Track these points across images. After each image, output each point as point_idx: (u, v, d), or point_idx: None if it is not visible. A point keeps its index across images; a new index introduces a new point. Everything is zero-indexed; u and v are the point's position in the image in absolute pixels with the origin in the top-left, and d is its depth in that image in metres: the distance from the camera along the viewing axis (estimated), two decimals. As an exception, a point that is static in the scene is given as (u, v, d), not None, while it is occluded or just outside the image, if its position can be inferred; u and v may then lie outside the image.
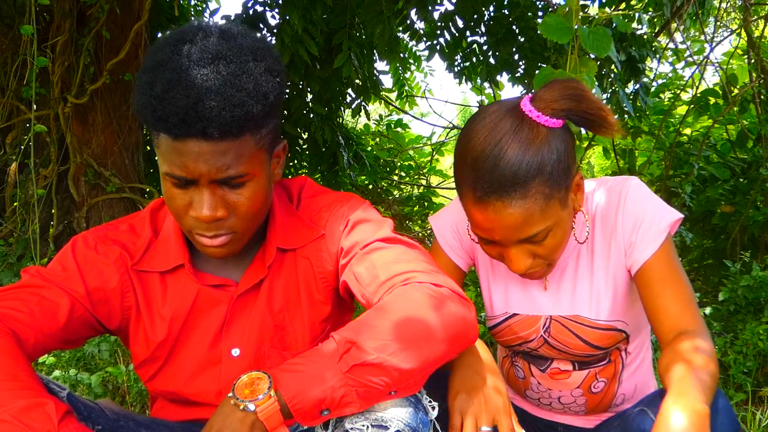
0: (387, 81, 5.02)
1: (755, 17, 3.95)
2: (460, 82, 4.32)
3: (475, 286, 3.12)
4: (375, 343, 0.98)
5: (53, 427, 0.91)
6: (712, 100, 3.79)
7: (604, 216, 1.32)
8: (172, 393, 1.26)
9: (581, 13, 1.84)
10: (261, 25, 3.80)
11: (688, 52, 4.31)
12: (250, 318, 1.24)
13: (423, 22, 4.11)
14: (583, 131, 1.68)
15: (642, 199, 1.29)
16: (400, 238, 1.20)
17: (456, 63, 4.22)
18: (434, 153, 5.91)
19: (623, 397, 1.43)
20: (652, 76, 4.26)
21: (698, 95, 3.83)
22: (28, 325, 1.09)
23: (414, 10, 3.78)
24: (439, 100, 7.67)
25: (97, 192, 3.54)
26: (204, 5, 4.79)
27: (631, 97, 3.86)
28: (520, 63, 4.00)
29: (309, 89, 4.07)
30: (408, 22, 4.03)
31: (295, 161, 4.66)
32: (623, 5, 3.79)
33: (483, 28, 4.02)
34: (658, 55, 4.09)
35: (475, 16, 3.94)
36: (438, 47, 4.16)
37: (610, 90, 3.70)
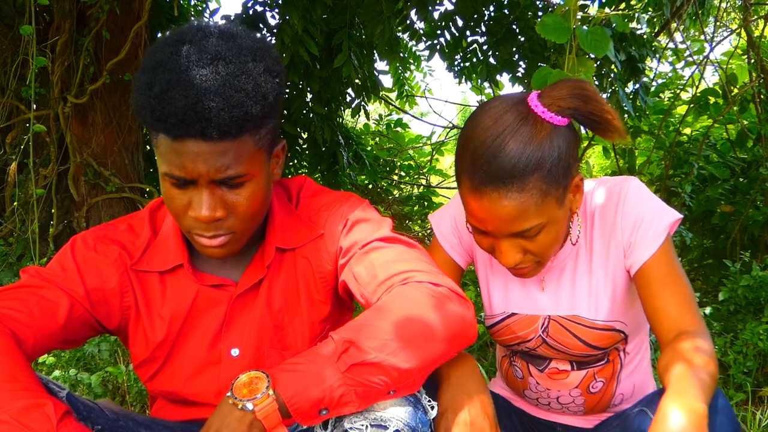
0: (387, 81, 5.02)
1: (755, 17, 3.95)
2: (459, 82, 4.32)
3: (475, 286, 3.12)
4: (374, 342, 0.98)
5: (52, 427, 0.91)
6: (712, 100, 3.79)
7: (603, 216, 1.32)
8: (171, 393, 1.26)
9: (581, 13, 1.84)
10: (261, 25, 3.79)
11: (687, 52, 4.31)
12: (250, 318, 1.24)
13: (423, 22, 4.11)
14: (584, 130, 1.68)
15: (641, 199, 1.28)
16: (399, 238, 1.20)
17: (456, 63, 4.21)
18: (434, 153, 5.90)
19: (622, 397, 1.43)
20: (652, 76, 4.26)
21: (698, 95, 3.83)
22: (27, 325, 1.09)
23: (414, 10, 3.78)
24: (439, 99, 7.68)
25: (96, 192, 3.54)
26: (204, 5, 4.79)
27: (631, 96, 3.86)
28: (520, 63, 4.00)
29: (309, 89, 4.07)
30: (408, 22, 4.03)
31: (295, 161, 4.66)
32: (623, 5, 3.79)
33: (483, 28, 4.01)
34: (658, 55, 4.09)
35: (475, 16, 3.94)
36: (438, 47, 4.16)
37: (609, 90, 3.70)
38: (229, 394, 0.97)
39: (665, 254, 1.25)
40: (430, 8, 3.79)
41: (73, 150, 3.46)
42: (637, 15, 3.80)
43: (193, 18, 4.58)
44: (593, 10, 3.52)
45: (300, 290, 1.26)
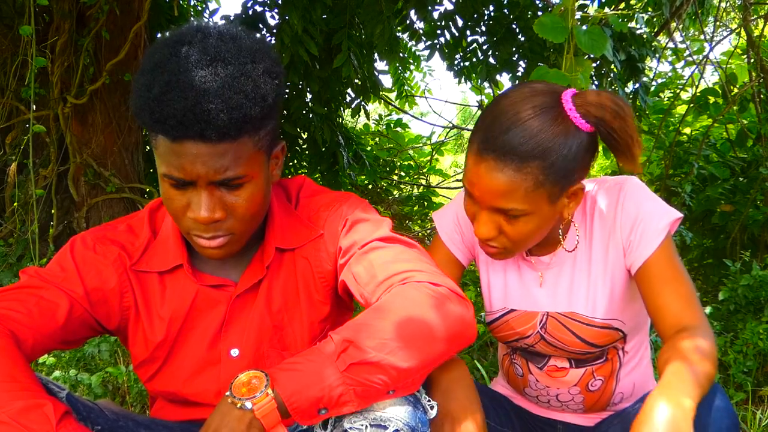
0: (387, 81, 5.02)
1: (755, 16, 3.95)
2: (459, 82, 4.31)
3: (475, 285, 3.12)
4: (373, 341, 0.98)
5: (51, 428, 0.91)
6: (712, 100, 3.78)
7: (602, 214, 1.32)
8: (171, 393, 1.26)
9: (581, 13, 1.84)
10: (260, 26, 3.79)
11: (687, 52, 4.31)
12: (249, 318, 1.24)
13: (422, 22, 4.10)
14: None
15: (641, 198, 1.29)
16: (399, 238, 1.20)
17: (456, 63, 4.21)
18: (434, 153, 5.90)
19: (621, 395, 1.44)
20: (651, 76, 4.26)
21: (698, 94, 3.82)
22: (26, 325, 1.09)
23: (413, 9, 3.77)
24: (438, 99, 7.69)
25: (96, 192, 3.54)
26: (203, 5, 4.79)
27: (631, 96, 3.86)
28: (520, 63, 3.99)
29: (308, 89, 4.06)
30: (408, 22, 4.02)
31: (295, 161, 4.66)
32: (622, 5, 3.79)
33: (483, 28, 4.01)
34: (657, 55, 4.09)
35: (475, 16, 3.94)
36: (438, 47, 4.16)
37: (609, 89, 3.70)
38: (228, 393, 0.97)
39: (666, 252, 1.25)
40: (429, 8, 3.79)
41: (72, 150, 3.45)
42: (636, 15, 3.80)
43: (192, 18, 4.58)
44: (593, 9, 3.52)
45: (299, 290, 1.26)
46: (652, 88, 4.35)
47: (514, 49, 3.92)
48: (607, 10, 3.51)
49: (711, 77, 4.74)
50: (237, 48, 1.04)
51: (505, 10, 3.93)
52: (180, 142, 1.01)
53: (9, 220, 3.56)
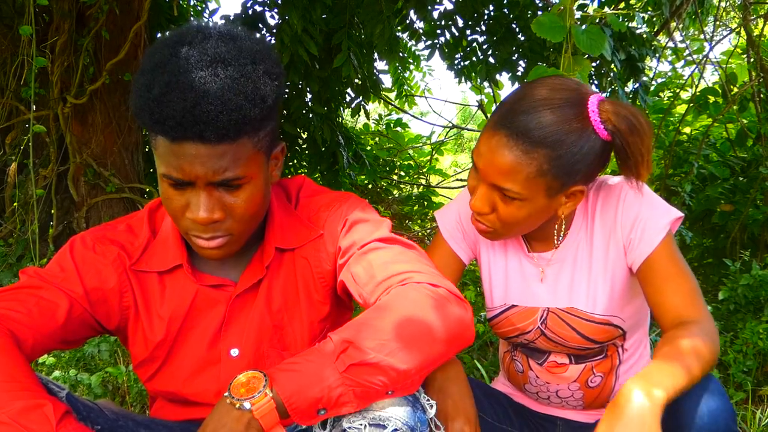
0: (387, 81, 5.02)
1: (754, 16, 3.95)
2: (459, 82, 4.31)
3: (475, 285, 3.12)
4: (372, 342, 0.98)
5: (51, 428, 0.92)
6: (712, 99, 3.78)
7: (603, 212, 1.33)
8: (171, 393, 1.27)
9: (581, 13, 1.84)
10: (260, 25, 3.79)
11: (687, 51, 4.30)
12: (249, 318, 1.24)
13: (422, 22, 4.10)
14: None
15: (642, 198, 1.29)
16: (398, 239, 1.20)
17: (456, 62, 4.21)
18: (434, 152, 5.90)
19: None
20: (651, 75, 4.25)
21: (698, 94, 3.82)
22: (26, 325, 1.09)
23: (413, 9, 3.77)
24: (438, 99, 7.69)
25: (96, 192, 3.54)
26: (203, 5, 4.78)
27: (631, 96, 3.86)
28: (520, 62, 3.99)
29: (308, 89, 4.06)
30: (407, 21, 4.02)
31: (295, 161, 4.65)
32: (622, 4, 3.79)
33: (482, 28, 4.01)
34: (657, 54, 4.09)
35: (475, 15, 3.93)
36: (437, 47, 4.16)
37: (609, 89, 3.70)
38: (226, 393, 0.97)
39: (667, 249, 1.26)
40: (429, 8, 3.79)
41: (72, 150, 3.45)
42: (636, 14, 3.79)
43: (192, 18, 4.58)
44: (592, 9, 3.52)
45: (299, 290, 1.26)
46: (652, 88, 4.34)
47: (514, 48, 3.92)
48: (606, 9, 3.51)
49: (711, 77, 4.74)
50: (237, 49, 1.04)
51: (505, 10, 3.93)
52: (179, 143, 1.01)
53: (9, 220, 3.56)
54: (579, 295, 1.36)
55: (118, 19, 3.40)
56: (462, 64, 4.21)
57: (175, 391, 1.26)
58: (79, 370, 2.38)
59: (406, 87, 5.08)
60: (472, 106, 6.39)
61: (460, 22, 4.02)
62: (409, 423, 1.02)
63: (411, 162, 5.85)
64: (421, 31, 4.22)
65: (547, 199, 1.23)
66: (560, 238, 1.35)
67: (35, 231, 2.97)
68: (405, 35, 4.32)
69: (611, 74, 3.68)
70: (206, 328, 1.24)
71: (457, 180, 6.06)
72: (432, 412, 1.09)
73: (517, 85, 4.06)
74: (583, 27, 1.74)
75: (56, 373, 2.31)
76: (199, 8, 4.76)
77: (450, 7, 3.99)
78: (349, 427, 1.00)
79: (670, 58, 4.61)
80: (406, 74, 5.11)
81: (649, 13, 4.02)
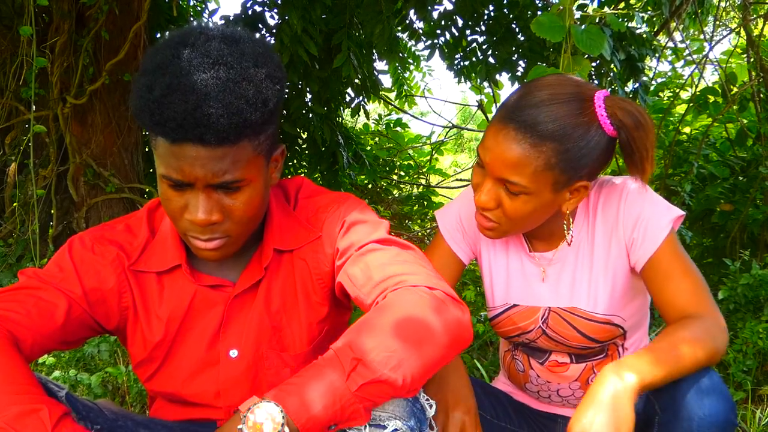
0: (386, 81, 5.02)
1: (754, 16, 3.95)
2: (459, 82, 4.31)
3: (475, 285, 3.12)
4: (380, 355, 0.96)
5: None
6: (712, 99, 3.77)
7: (605, 212, 1.33)
8: (170, 393, 1.27)
9: (580, 13, 1.84)
10: (260, 26, 3.79)
11: (687, 51, 4.30)
12: (248, 319, 1.24)
13: (422, 22, 4.10)
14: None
15: (643, 197, 1.30)
16: (396, 240, 1.19)
17: (455, 62, 4.21)
18: (433, 152, 5.90)
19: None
20: (651, 75, 4.25)
21: (697, 94, 3.81)
22: (25, 326, 1.09)
23: (413, 9, 3.77)
24: (438, 99, 7.67)
25: (96, 192, 3.53)
26: (203, 6, 4.78)
27: (631, 96, 3.85)
28: (520, 62, 3.99)
29: (308, 89, 4.06)
30: (407, 21, 4.02)
31: (295, 161, 4.65)
32: (622, 4, 3.79)
33: (482, 28, 4.01)
34: (657, 54, 4.09)
35: (475, 16, 3.93)
36: (437, 47, 4.16)
37: (609, 89, 3.69)
38: (241, 426, 0.94)
39: (670, 246, 1.27)
40: (429, 8, 3.79)
41: (72, 151, 3.45)
42: (635, 14, 3.79)
43: (192, 19, 4.57)
44: (592, 9, 3.52)
45: (298, 291, 1.26)
46: (652, 88, 4.34)
47: (513, 48, 3.92)
48: (606, 9, 3.51)
49: (711, 76, 4.74)
50: (239, 52, 1.04)
51: (505, 10, 3.93)
52: (179, 145, 1.01)
53: (9, 220, 3.56)
54: (580, 295, 1.36)
55: (117, 20, 3.40)
56: (462, 64, 4.21)
57: (174, 392, 1.26)
58: (79, 370, 2.38)
59: (405, 87, 5.08)
60: (471, 106, 6.38)
61: (460, 22, 4.02)
62: (409, 423, 1.02)
63: (411, 162, 5.84)
64: (420, 31, 4.22)
65: (553, 194, 1.24)
66: (570, 235, 1.35)
67: (35, 231, 2.97)
68: (405, 35, 4.32)
69: (611, 74, 3.68)
70: (205, 328, 1.24)
71: (457, 180, 6.05)
72: (431, 411, 1.09)
73: (516, 85, 4.06)
74: (583, 27, 1.74)
75: (56, 373, 2.31)
76: (199, 8, 4.75)
77: (450, 7, 3.99)
78: (349, 428, 0.99)
79: (669, 58, 4.61)
80: (406, 74, 5.11)
81: (648, 13, 4.02)
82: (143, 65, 1.05)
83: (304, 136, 4.50)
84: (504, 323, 1.46)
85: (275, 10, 3.77)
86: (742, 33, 3.95)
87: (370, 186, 5.30)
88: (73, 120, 3.46)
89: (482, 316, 2.75)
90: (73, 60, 3.37)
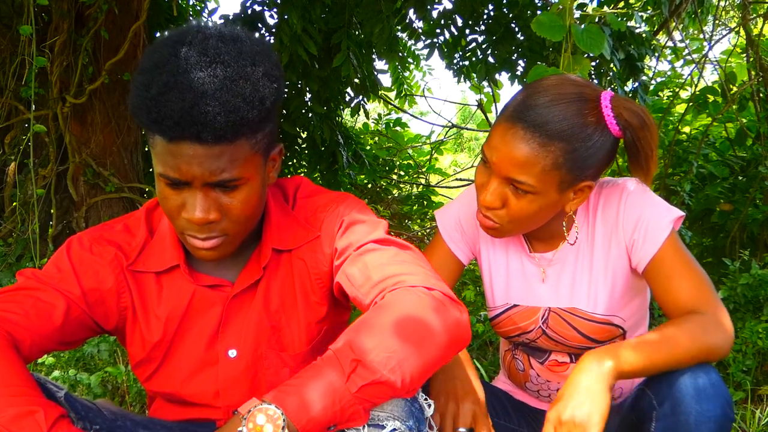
0: (386, 80, 5.02)
1: (754, 15, 3.95)
2: (459, 81, 4.31)
3: (475, 285, 3.12)
4: (379, 356, 0.96)
5: None
6: (711, 98, 3.77)
7: (605, 213, 1.34)
8: (169, 393, 1.27)
9: (580, 12, 1.84)
10: (259, 25, 3.79)
11: (686, 51, 4.30)
12: (247, 319, 1.24)
13: (422, 21, 4.10)
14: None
15: (643, 198, 1.31)
16: (394, 240, 1.19)
17: (455, 62, 4.21)
18: (433, 152, 5.90)
19: (620, 391, 1.45)
20: (650, 75, 4.25)
21: (697, 93, 3.81)
22: (23, 326, 1.09)
23: (413, 9, 3.77)
24: (438, 99, 7.67)
25: (96, 192, 3.54)
26: (202, 5, 4.77)
27: (630, 95, 3.85)
28: (519, 62, 3.99)
29: (308, 88, 4.06)
30: (407, 21, 4.02)
31: (294, 160, 4.65)
32: (621, 3, 3.79)
33: (482, 27, 4.01)
34: (656, 54, 4.09)
35: (474, 15, 3.93)
36: (437, 46, 4.16)
37: (609, 88, 3.68)
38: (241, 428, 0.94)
39: (672, 246, 1.27)
40: (428, 7, 3.79)
41: (72, 150, 3.45)
42: (635, 14, 3.79)
43: (191, 18, 4.57)
44: (591, 8, 3.51)
45: (297, 291, 1.25)
46: (651, 87, 4.34)
47: (513, 48, 3.92)
48: (605, 8, 3.50)
49: (710, 76, 4.74)
50: (237, 50, 1.04)
51: (504, 9, 3.93)
52: (176, 143, 1.01)
53: (8, 219, 3.56)
54: (580, 295, 1.37)
55: (117, 19, 3.40)
56: (461, 63, 4.20)
57: (173, 392, 1.26)
58: (78, 369, 2.38)
59: (405, 86, 5.08)
60: (471, 106, 6.39)
61: (460, 22, 4.02)
62: (408, 423, 1.02)
63: (410, 161, 5.84)
64: (420, 30, 4.22)
65: (558, 194, 1.24)
66: (572, 236, 1.35)
67: (35, 230, 2.97)
68: (404, 35, 4.32)
69: (610, 73, 3.68)
70: (203, 328, 1.24)
71: (457, 180, 6.05)
72: (429, 411, 1.09)
73: (516, 85, 4.08)
74: (582, 26, 1.74)
75: (56, 372, 2.31)
76: (198, 8, 4.75)
77: (449, 6, 3.99)
78: (347, 428, 0.99)
79: (669, 58, 4.61)
80: (406, 74, 5.11)
81: (648, 12, 4.02)
82: (141, 64, 1.05)
83: (304, 135, 4.50)
84: (504, 323, 1.46)
85: (275, 10, 3.77)
86: (742, 32, 3.95)
87: (369, 186, 5.30)
88: (72, 119, 3.46)
89: (482, 315, 2.75)
90: (73, 59, 3.37)
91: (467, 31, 4.06)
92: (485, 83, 4.54)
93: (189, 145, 1.01)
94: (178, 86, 0.98)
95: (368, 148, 5.46)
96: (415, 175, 5.78)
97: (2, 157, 3.67)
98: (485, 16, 3.98)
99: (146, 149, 3.85)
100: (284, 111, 4.01)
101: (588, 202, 1.36)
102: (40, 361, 2.39)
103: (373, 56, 4.09)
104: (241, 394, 1.24)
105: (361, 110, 4.34)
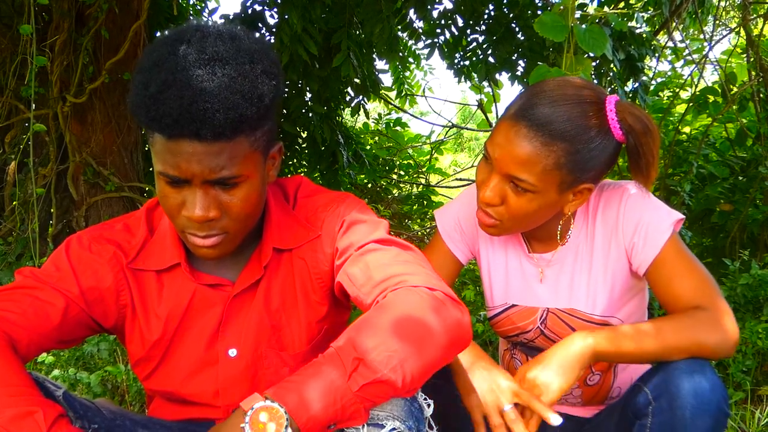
0: (387, 79, 5.02)
1: (754, 15, 3.95)
2: (459, 81, 4.31)
3: (475, 285, 3.12)
4: (381, 355, 0.96)
5: None
6: (711, 99, 3.77)
7: (605, 215, 1.34)
8: (168, 392, 1.26)
9: (580, 12, 1.85)
10: (260, 25, 3.79)
11: (687, 51, 4.30)
12: (247, 318, 1.24)
13: (422, 21, 4.10)
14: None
15: (643, 201, 1.31)
16: (395, 240, 1.19)
17: (456, 61, 4.21)
18: (433, 152, 5.90)
19: (619, 390, 1.45)
20: (651, 75, 4.25)
21: (697, 93, 3.81)
22: (20, 325, 1.09)
23: (413, 9, 3.77)
24: (438, 98, 7.67)
25: (96, 191, 3.54)
26: (203, 4, 4.77)
27: (630, 95, 3.86)
28: (520, 62, 3.99)
29: (308, 88, 4.06)
30: (407, 20, 4.02)
31: (294, 160, 4.65)
32: (621, 4, 3.79)
33: (482, 27, 4.01)
34: (657, 54, 4.09)
35: (475, 15, 3.94)
36: (437, 46, 4.16)
37: (609, 89, 3.69)
38: (244, 425, 0.93)
39: (672, 249, 1.28)
40: (429, 7, 3.79)
41: (72, 149, 3.45)
42: (636, 14, 3.79)
43: (191, 17, 4.57)
44: (592, 8, 3.52)
45: (297, 291, 1.25)
46: (652, 88, 4.34)
47: (513, 48, 3.92)
48: (606, 9, 3.51)
49: (710, 76, 4.74)
50: (235, 48, 1.04)
51: (505, 9, 3.93)
52: (176, 141, 1.01)
53: (8, 218, 3.56)
54: (579, 296, 1.37)
55: (117, 19, 3.40)
56: (462, 63, 4.21)
57: (173, 391, 1.26)
58: (78, 368, 2.38)
59: (406, 86, 5.08)
60: (471, 106, 6.39)
61: (460, 22, 4.02)
62: (407, 423, 1.02)
63: (411, 161, 5.85)
64: (420, 30, 4.22)
65: (558, 195, 1.24)
66: (568, 236, 1.36)
67: (35, 230, 2.97)
68: (405, 34, 4.32)
69: (611, 74, 3.68)
70: (204, 327, 1.24)
71: (457, 179, 6.05)
72: (429, 411, 1.09)
73: (516, 85, 4.08)
74: (583, 26, 1.74)
75: (55, 371, 2.30)
76: (199, 7, 4.75)
77: (450, 6, 3.99)
78: (347, 428, 0.99)
79: (669, 58, 4.61)
80: (407, 73, 5.11)
81: (649, 12, 4.02)
82: (140, 62, 1.05)
83: (304, 135, 4.50)
84: (503, 323, 1.47)
85: (275, 9, 3.77)
86: (742, 33, 3.95)
87: (369, 185, 5.30)
88: (72, 119, 3.46)
89: (481, 315, 2.75)
90: (73, 59, 3.38)
91: (468, 31, 4.06)
92: (485, 83, 4.55)
93: (188, 142, 1.01)
94: (177, 84, 0.99)
95: (368, 147, 5.46)
96: (415, 175, 5.78)
97: (2, 156, 3.67)
98: (486, 16, 3.98)
99: (146, 148, 3.85)
100: (284, 110, 4.02)
101: (588, 204, 1.36)
102: (39, 359, 2.39)
103: (374, 56, 4.09)
104: (241, 394, 1.23)
105: (362, 110, 4.35)
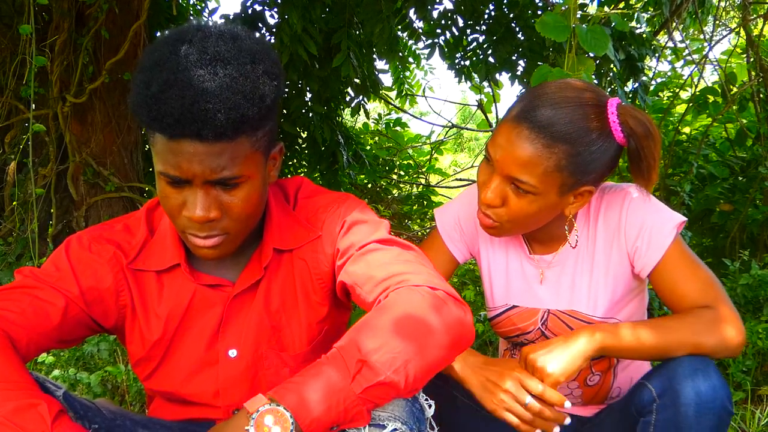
0: (387, 79, 5.02)
1: (754, 16, 3.95)
2: (459, 81, 4.31)
3: (475, 285, 3.12)
4: (384, 356, 0.96)
5: (47, 427, 0.91)
6: (711, 99, 3.77)
7: (606, 218, 1.34)
8: (168, 393, 1.26)
9: (580, 12, 1.85)
10: (260, 25, 3.79)
11: (687, 51, 4.30)
12: (247, 319, 1.23)
13: (422, 21, 4.10)
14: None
15: (646, 204, 1.32)
16: (396, 240, 1.19)
17: (456, 62, 4.21)
18: (433, 152, 5.90)
19: (619, 390, 1.46)
20: (651, 75, 4.25)
21: (697, 94, 3.81)
22: (20, 325, 1.08)
23: (413, 9, 3.77)
24: (438, 99, 7.68)
25: (96, 191, 3.53)
26: (203, 4, 4.78)
27: (630, 95, 3.86)
28: (520, 62, 3.99)
29: (308, 88, 4.06)
30: (407, 21, 4.02)
31: (294, 160, 4.65)
32: (622, 4, 3.79)
33: (482, 27, 4.01)
34: (657, 54, 4.09)
35: (475, 15, 3.94)
36: (437, 46, 4.16)
37: (609, 89, 3.69)
38: (248, 427, 0.93)
39: (676, 252, 1.28)
40: (429, 7, 3.79)
41: (72, 149, 3.45)
42: (636, 14, 3.79)
43: (192, 17, 4.57)
44: (593, 9, 3.52)
45: (297, 291, 1.25)
46: (652, 88, 4.34)
47: (513, 48, 3.92)
48: (606, 9, 3.50)
49: (710, 76, 4.74)
50: (237, 48, 1.04)
51: (505, 9, 3.93)
52: (177, 141, 1.01)
53: (8, 219, 3.56)
54: (580, 298, 1.37)
55: (117, 19, 3.40)
56: (462, 63, 4.20)
57: (173, 391, 1.25)
58: (78, 369, 2.38)
59: (406, 86, 5.08)
60: (471, 106, 6.39)
61: (460, 22, 4.02)
62: (408, 423, 1.02)
63: (411, 161, 5.85)
64: (420, 30, 4.22)
65: (558, 197, 1.25)
66: (574, 239, 1.36)
67: (35, 230, 2.97)
68: (405, 35, 4.32)
69: (611, 74, 3.68)
70: (204, 328, 1.24)
71: (457, 179, 6.06)
72: (430, 411, 1.09)
73: (516, 85, 4.08)
74: (584, 26, 1.74)
75: (56, 371, 2.30)
76: (199, 7, 4.75)
77: (450, 6, 3.99)
78: (348, 428, 0.99)
79: (669, 58, 4.61)
80: (407, 73, 5.11)
81: (649, 12, 4.02)
82: (141, 62, 1.05)
83: (304, 135, 4.50)
84: (503, 323, 1.47)
85: (275, 9, 3.78)
86: (742, 33, 3.95)
87: (369, 185, 5.30)
88: (72, 119, 3.46)
89: (482, 315, 2.75)
90: (73, 59, 3.37)
91: (468, 31, 4.07)
92: (485, 83, 4.55)
93: (189, 142, 1.01)
94: (178, 84, 0.99)
95: (368, 148, 5.46)
96: (415, 175, 5.78)
97: (2, 157, 3.67)
98: (486, 16, 3.98)
99: (146, 149, 3.85)
100: (284, 111, 4.02)
101: (589, 207, 1.37)
102: (39, 359, 2.39)
103: (374, 56, 4.09)
104: (241, 394, 1.23)
105: (362, 110, 4.35)
